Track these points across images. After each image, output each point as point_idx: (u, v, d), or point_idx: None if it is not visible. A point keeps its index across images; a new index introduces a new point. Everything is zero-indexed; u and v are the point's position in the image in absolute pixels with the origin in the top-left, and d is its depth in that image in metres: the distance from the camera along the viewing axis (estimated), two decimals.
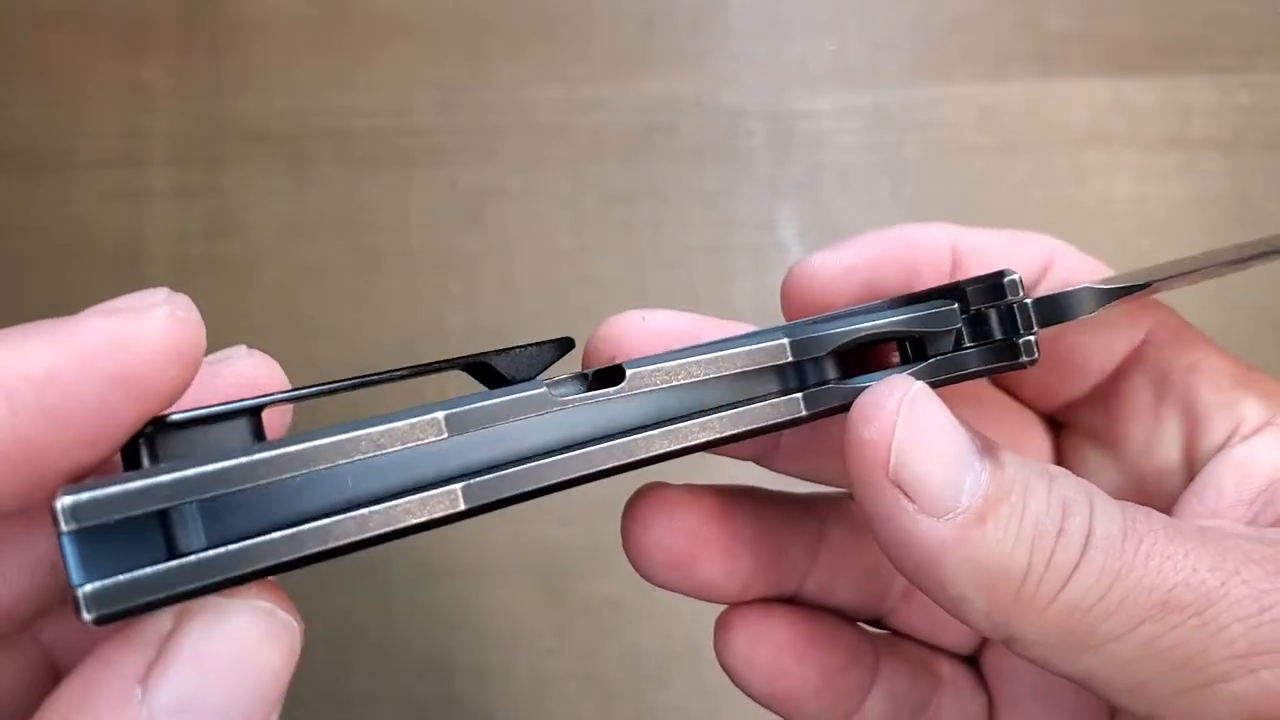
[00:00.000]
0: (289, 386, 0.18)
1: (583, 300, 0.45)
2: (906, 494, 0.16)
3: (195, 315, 0.16)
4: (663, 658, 0.42)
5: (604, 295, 0.45)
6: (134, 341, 0.15)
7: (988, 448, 0.17)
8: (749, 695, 0.23)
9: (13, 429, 0.14)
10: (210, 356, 0.18)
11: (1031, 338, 0.19)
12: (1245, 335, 0.46)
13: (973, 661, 0.25)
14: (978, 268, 0.21)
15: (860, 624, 0.25)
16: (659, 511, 0.21)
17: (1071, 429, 0.23)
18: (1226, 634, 0.15)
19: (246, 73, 0.47)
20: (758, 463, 0.23)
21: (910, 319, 0.19)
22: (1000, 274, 0.19)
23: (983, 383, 0.23)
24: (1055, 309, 0.19)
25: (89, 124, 0.47)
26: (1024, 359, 0.19)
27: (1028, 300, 0.19)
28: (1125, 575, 0.16)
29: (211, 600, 0.15)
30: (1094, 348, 0.21)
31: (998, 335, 0.19)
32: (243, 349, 0.18)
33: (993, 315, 0.19)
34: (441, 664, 0.42)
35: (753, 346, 0.19)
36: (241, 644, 0.14)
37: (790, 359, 0.19)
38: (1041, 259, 0.22)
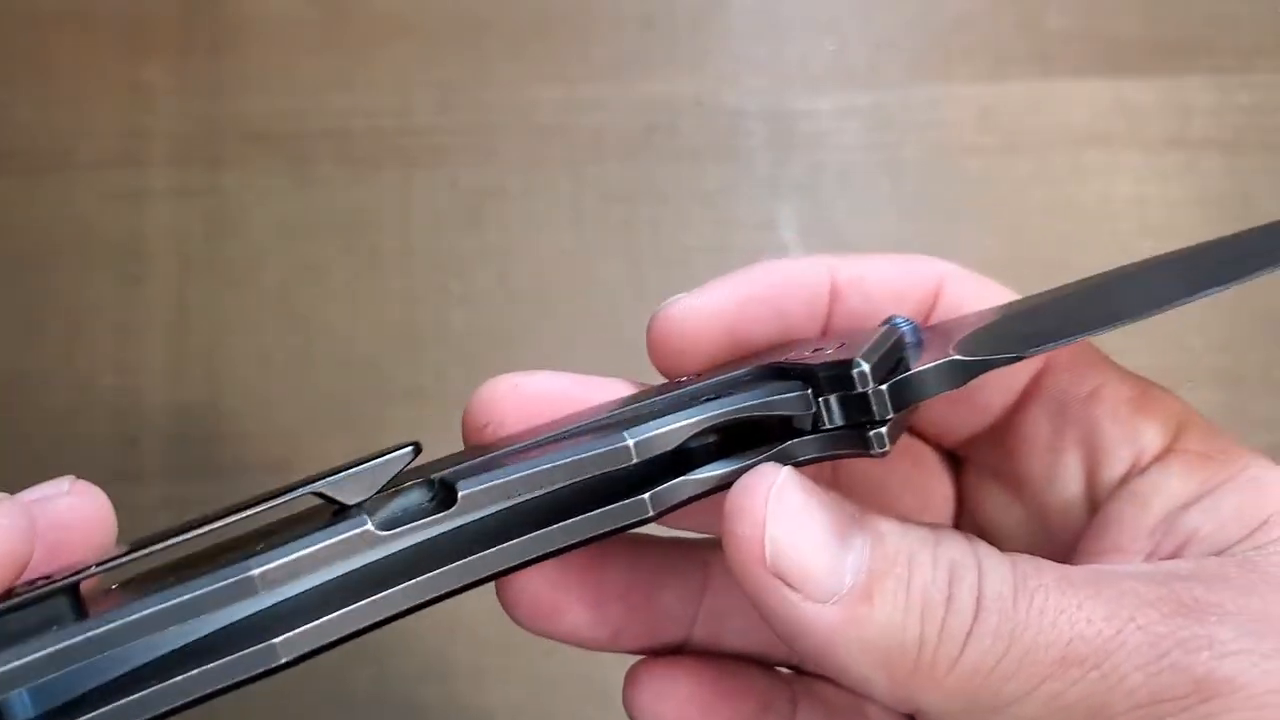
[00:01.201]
0: (111, 520, 0.18)
1: (583, 300, 0.45)
2: (788, 583, 0.16)
3: (24, 520, 0.15)
4: None
5: (604, 295, 0.45)
6: None
7: (867, 522, 0.17)
8: None
9: None
10: (29, 493, 0.17)
11: (883, 429, 0.18)
12: (1246, 336, 0.46)
13: None
14: (858, 301, 0.20)
15: (777, 668, 0.24)
16: None
17: (974, 465, 0.23)
18: (1127, 684, 0.15)
19: (246, 73, 0.47)
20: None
21: (762, 404, 0.19)
22: (848, 363, 0.18)
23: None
24: (913, 390, 0.18)
25: (89, 124, 0.47)
26: (875, 450, 0.18)
27: (882, 388, 0.18)
28: (1020, 635, 0.16)
29: None
30: (988, 384, 0.20)
31: (849, 422, 0.18)
32: (65, 483, 0.17)
33: (845, 403, 0.18)
34: (441, 666, 0.42)
35: (595, 453, 0.18)
36: None
37: (635, 460, 0.18)
38: (930, 286, 0.21)
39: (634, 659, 0.24)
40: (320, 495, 0.18)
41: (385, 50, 0.48)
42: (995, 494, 0.22)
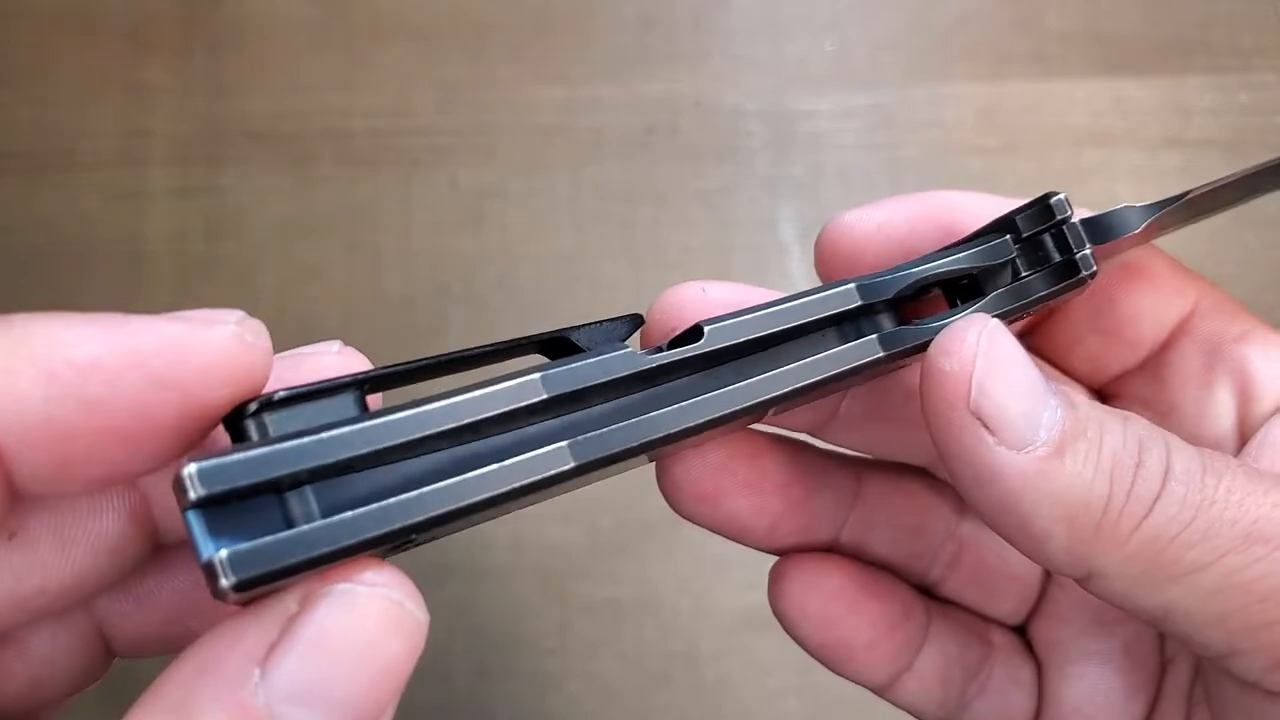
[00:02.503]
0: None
1: (583, 300, 0.45)
2: (987, 426, 0.16)
3: (264, 343, 0.16)
4: (663, 657, 0.42)
5: (604, 295, 0.45)
6: (190, 350, 0.14)
7: (1063, 390, 0.17)
8: (802, 646, 0.23)
9: (47, 411, 0.14)
10: (302, 349, 0.18)
11: (1087, 252, 0.19)
12: None
13: (1021, 632, 0.25)
14: None
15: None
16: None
17: (1122, 401, 0.23)
18: None
19: (247, 73, 0.47)
20: (813, 435, 0.23)
21: (968, 256, 0.19)
22: (1046, 196, 0.19)
23: (1035, 360, 0.23)
24: (1103, 228, 0.19)
25: (90, 124, 0.47)
26: (1084, 273, 0.19)
27: (1076, 220, 0.19)
28: (1207, 508, 0.16)
29: (340, 585, 0.14)
30: (1144, 319, 0.21)
31: (1055, 258, 0.19)
32: (337, 344, 0.18)
33: (1045, 240, 0.19)
34: (442, 665, 0.43)
35: (822, 295, 0.19)
36: (367, 631, 0.14)
37: (860, 302, 0.19)
38: None
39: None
40: (570, 344, 0.19)
41: (385, 51, 0.48)
42: None
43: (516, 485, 0.16)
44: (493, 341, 0.18)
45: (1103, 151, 0.47)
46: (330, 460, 0.15)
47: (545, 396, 0.17)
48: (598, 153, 0.47)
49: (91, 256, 0.45)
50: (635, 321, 0.19)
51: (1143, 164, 0.47)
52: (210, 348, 0.15)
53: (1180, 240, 0.46)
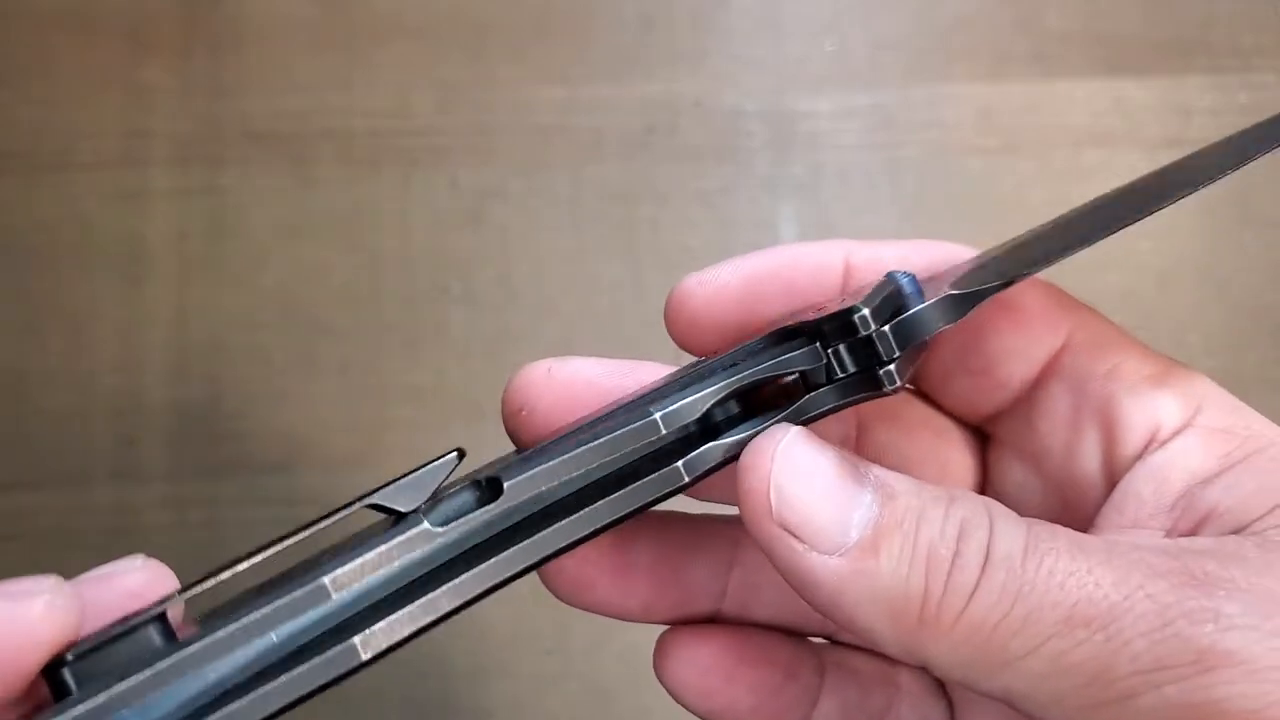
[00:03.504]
0: (178, 587, 0.18)
1: (583, 300, 0.46)
2: (794, 535, 0.17)
3: (76, 604, 0.17)
4: None
5: (603, 295, 0.46)
6: (9, 629, 0.16)
7: (879, 481, 0.18)
8: (692, 714, 0.23)
9: None
10: (102, 570, 0.18)
11: (892, 367, 0.19)
12: (1244, 335, 0.46)
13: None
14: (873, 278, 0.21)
15: (809, 638, 0.24)
16: None
17: (997, 441, 0.23)
18: (1131, 649, 0.15)
19: (247, 73, 0.47)
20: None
21: (774, 364, 0.20)
22: (851, 310, 0.19)
23: (906, 398, 0.23)
24: (914, 328, 0.18)
25: (90, 124, 0.47)
26: (886, 389, 0.19)
27: (885, 329, 0.19)
28: (1028, 593, 0.16)
29: None
30: (1012, 358, 0.21)
31: (859, 366, 0.19)
32: (138, 560, 0.18)
33: (853, 349, 0.19)
34: (442, 664, 0.43)
35: (626, 430, 0.19)
36: None
37: (664, 432, 0.19)
38: (940, 268, 0.21)
39: (655, 638, 0.24)
40: (377, 507, 0.19)
41: (385, 50, 0.48)
42: (1016, 469, 0.22)
43: (317, 685, 0.18)
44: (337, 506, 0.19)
45: (1103, 151, 0.47)
46: (143, 699, 0.17)
47: (334, 598, 0.18)
48: (597, 153, 0.47)
49: (91, 257, 0.46)
50: (458, 458, 0.19)
51: (1143, 164, 0.47)
52: (28, 622, 0.16)
53: (1179, 240, 0.46)
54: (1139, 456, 0.19)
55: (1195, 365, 0.47)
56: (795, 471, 0.17)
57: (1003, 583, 0.16)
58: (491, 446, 0.44)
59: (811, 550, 0.17)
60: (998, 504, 0.18)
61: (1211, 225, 0.47)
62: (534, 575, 0.21)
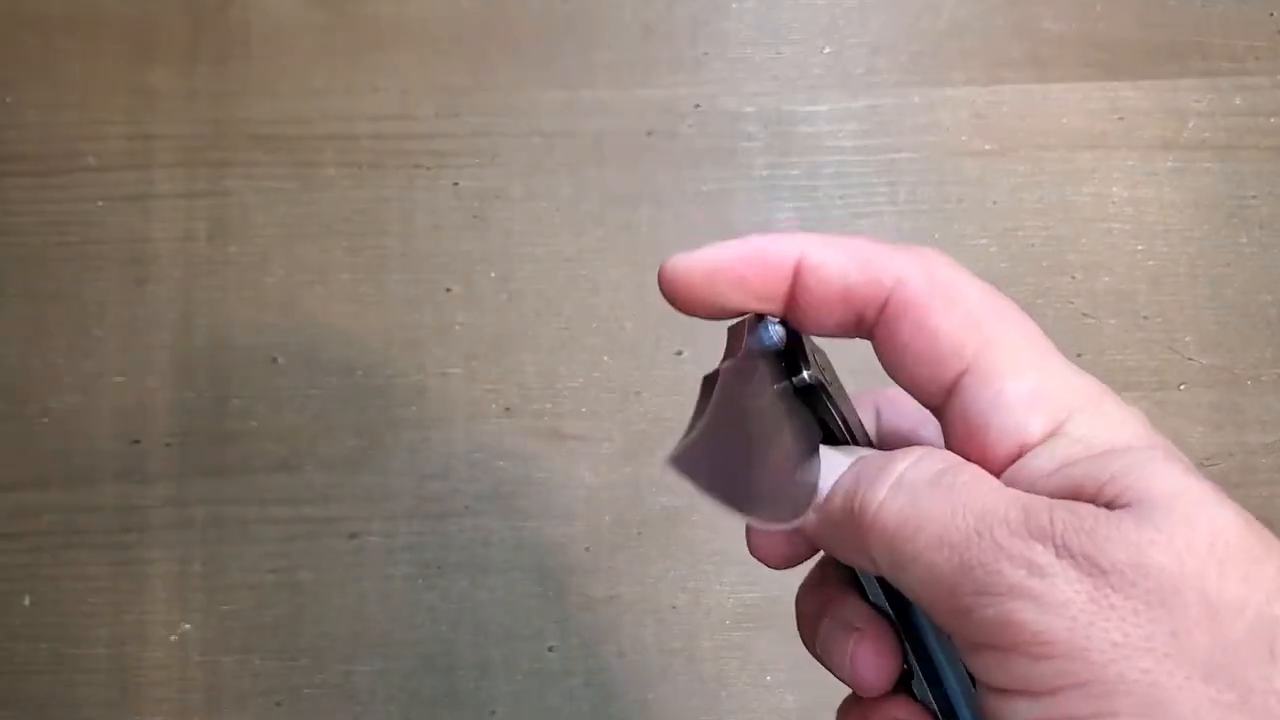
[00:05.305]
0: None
1: (583, 301, 0.46)
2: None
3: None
4: (662, 654, 0.43)
5: (604, 296, 0.46)
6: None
7: (854, 450, 0.23)
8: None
9: None
10: None
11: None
12: (1238, 337, 0.46)
13: None
14: (814, 284, 0.24)
15: None
16: None
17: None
18: (973, 574, 0.19)
19: (252, 77, 0.48)
20: None
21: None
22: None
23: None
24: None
25: (96, 128, 0.47)
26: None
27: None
28: (920, 512, 0.21)
29: None
30: (926, 378, 0.23)
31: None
32: None
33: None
34: (445, 660, 0.43)
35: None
36: None
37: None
38: (879, 293, 0.24)
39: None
40: None
41: (389, 56, 0.48)
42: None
43: None
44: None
45: (1098, 154, 0.48)
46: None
47: None
48: (598, 156, 0.47)
49: (97, 258, 0.46)
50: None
51: (1137, 166, 0.48)
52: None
53: (1173, 241, 0.47)
54: (1005, 467, 0.22)
55: (1189, 367, 0.47)
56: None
57: (905, 498, 0.21)
58: (492, 446, 0.45)
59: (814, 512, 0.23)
60: (942, 451, 0.22)
61: (1206, 226, 0.47)
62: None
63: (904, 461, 0.22)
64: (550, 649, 0.43)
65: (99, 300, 0.46)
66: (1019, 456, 0.22)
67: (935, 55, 0.49)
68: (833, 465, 0.23)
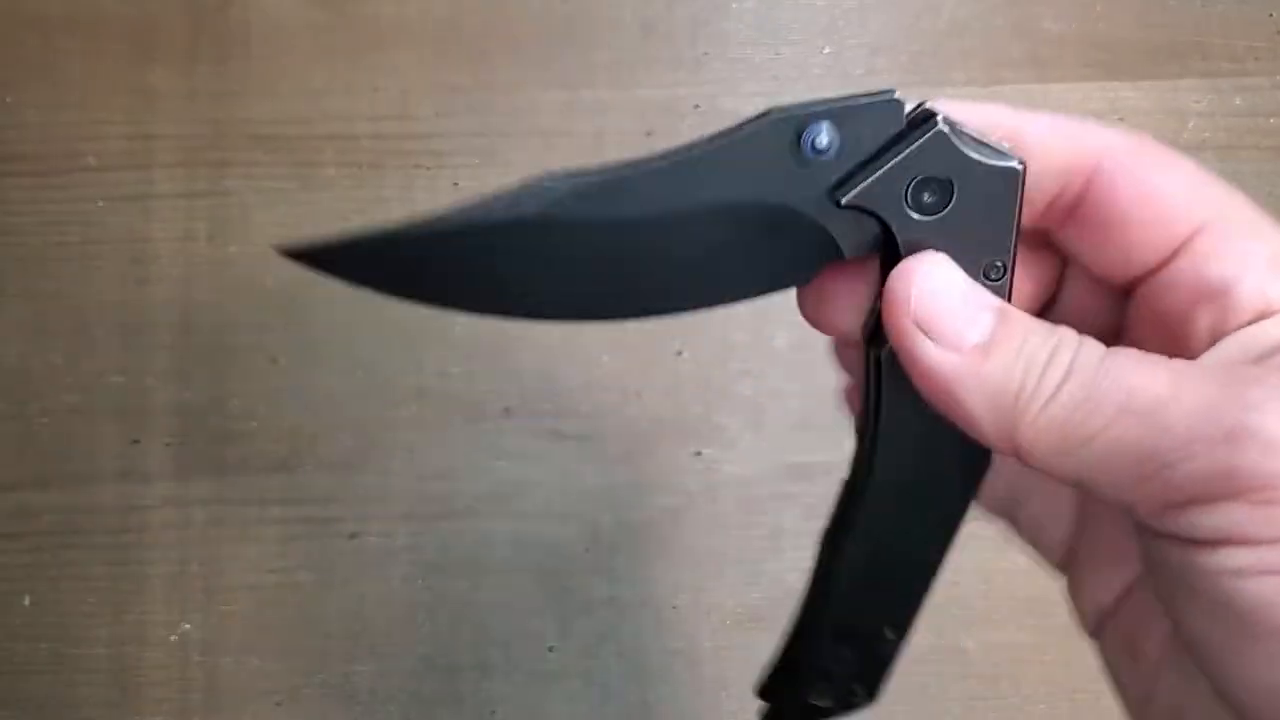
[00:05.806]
0: None
1: None
2: (924, 332, 0.21)
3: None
4: (662, 654, 0.43)
5: None
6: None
7: (1001, 308, 0.22)
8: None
9: None
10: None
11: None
12: None
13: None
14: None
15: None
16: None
17: (1132, 302, 0.25)
18: (1172, 432, 0.19)
19: (252, 77, 0.48)
20: None
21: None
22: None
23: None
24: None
25: (96, 127, 0.47)
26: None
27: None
28: (1096, 392, 0.20)
29: None
30: (1149, 242, 0.23)
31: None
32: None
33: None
34: (445, 661, 0.43)
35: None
36: None
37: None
38: (1085, 163, 0.23)
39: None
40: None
41: (388, 55, 0.48)
42: (1144, 325, 0.24)
43: None
44: None
45: None
46: None
47: None
48: (598, 156, 0.47)
49: (97, 258, 0.46)
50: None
51: None
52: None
53: None
54: (1241, 328, 0.21)
55: None
56: (933, 282, 0.21)
57: (1080, 383, 0.20)
58: (491, 446, 0.45)
59: (936, 345, 0.21)
60: (1092, 339, 0.21)
61: None
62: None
63: (1067, 349, 0.21)
64: (550, 649, 0.43)
65: (99, 300, 0.46)
66: (1259, 320, 0.21)
67: (935, 55, 0.49)
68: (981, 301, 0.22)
